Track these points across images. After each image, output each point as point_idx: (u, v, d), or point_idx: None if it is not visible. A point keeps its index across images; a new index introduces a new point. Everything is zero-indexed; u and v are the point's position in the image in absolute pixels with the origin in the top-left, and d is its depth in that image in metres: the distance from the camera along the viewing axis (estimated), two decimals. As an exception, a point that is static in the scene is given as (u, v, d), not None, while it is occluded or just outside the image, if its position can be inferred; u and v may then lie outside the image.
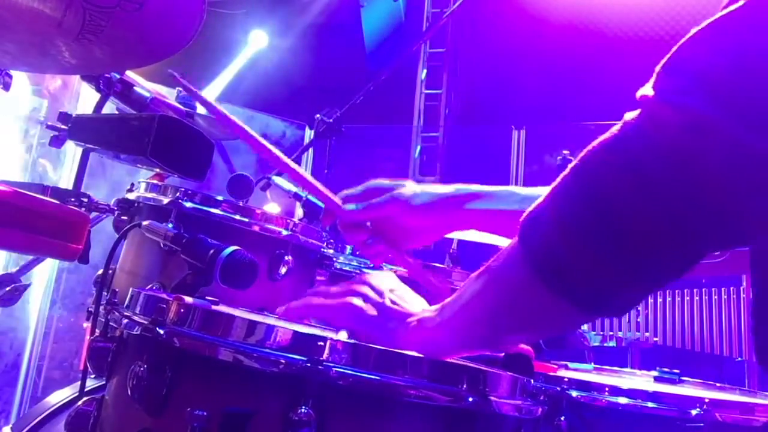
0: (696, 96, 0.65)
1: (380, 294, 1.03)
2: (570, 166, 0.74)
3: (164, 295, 1.06)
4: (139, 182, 1.76)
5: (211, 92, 5.20)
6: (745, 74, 0.64)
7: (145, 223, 1.53)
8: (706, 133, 0.64)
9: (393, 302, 1.03)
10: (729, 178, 0.64)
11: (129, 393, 0.91)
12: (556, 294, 0.75)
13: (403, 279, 1.11)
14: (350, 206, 1.21)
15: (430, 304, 1.03)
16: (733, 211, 0.66)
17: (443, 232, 1.25)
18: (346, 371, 0.81)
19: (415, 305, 1.04)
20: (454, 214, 1.19)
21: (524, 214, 0.78)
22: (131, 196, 1.73)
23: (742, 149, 0.63)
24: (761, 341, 0.84)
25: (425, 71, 5.87)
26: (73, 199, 1.55)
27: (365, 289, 1.04)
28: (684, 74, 0.67)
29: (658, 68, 0.70)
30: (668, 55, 0.69)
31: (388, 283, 1.07)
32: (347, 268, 2.01)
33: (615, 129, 0.71)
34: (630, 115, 0.70)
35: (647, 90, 0.69)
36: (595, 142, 0.72)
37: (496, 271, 0.85)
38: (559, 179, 0.75)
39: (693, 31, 0.67)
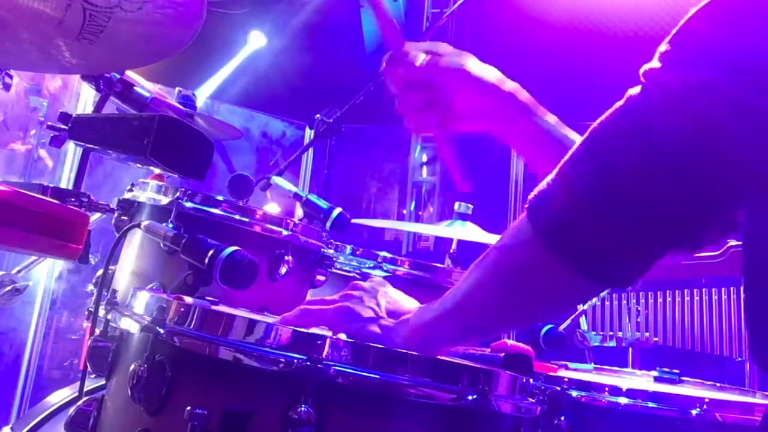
0: (702, 62, 0.68)
1: (374, 296, 1.04)
2: (578, 140, 0.76)
3: (164, 295, 1.06)
4: (139, 182, 1.76)
5: (209, 91, 5.19)
6: (747, 40, 0.67)
7: (144, 223, 1.53)
8: (714, 96, 0.67)
9: (388, 303, 1.03)
10: (736, 136, 0.67)
11: (129, 393, 0.91)
12: (565, 264, 0.76)
13: (395, 284, 1.11)
14: (421, 56, 1.11)
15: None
16: (740, 169, 0.68)
17: (496, 125, 1.18)
18: (345, 370, 0.82)
19: (410, 307, 1.04)
20: (514, 118, 1.14)
21: (533, 192, 0.80)
22: (131, 196, 1.73)
23: (748, 109, 0.66)
24: (755, 341, 0.85)
25: (425, 71, 5.85)
26: (73, 199, 1.55)
27: (359, 293, 1.04)
28: (689, 45, 0.70)
29: (661, 47, 0.72)
30: (670, 35, 0.72)
31: (381, 288, 1.07)
32: (347, 268, 2.01)
33: (620, 102, 0.74)
34: (634, 90, 0.73)
35: (653, 64, 0.72)
36: (602, 116, 0.74)
37: (501, 250, 0.86)
38: (568, 154, 0.77)
39: (692, 11, 0.71)
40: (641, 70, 0.73)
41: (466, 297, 0.90)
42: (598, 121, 0.75)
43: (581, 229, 0.74)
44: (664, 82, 0.70)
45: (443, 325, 0.93)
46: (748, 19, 0.67)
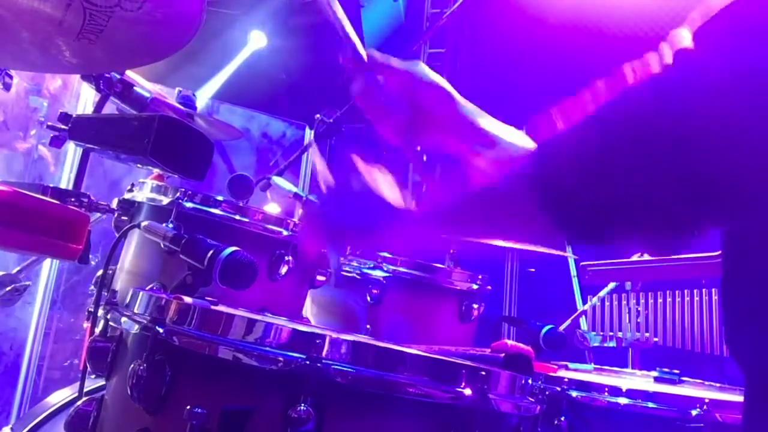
0: (734, 47, 0.67)
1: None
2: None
3: (164, 295, 1.06)
4: (139, 182, 1.76)
5: (210, 92, 5.20)
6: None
7: (144, 223, 1.53)
8: (744, 79, 0.65)
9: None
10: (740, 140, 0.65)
11: (129, 392, 0.91)
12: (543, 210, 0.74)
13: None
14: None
15: None
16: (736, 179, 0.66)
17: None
18: (345, 369, 0.82)
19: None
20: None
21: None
22: (131, 196, 1.73)
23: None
24: (737, 342, 0.83)
25: (425, 71, 5.86)
26: (73, 199, 1.55)
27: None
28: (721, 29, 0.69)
29: (684, 31, 0.73)
30: (694, 26, 0.72)
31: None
32: (347, 268, 2.01)
33: (643, 71, 0.74)
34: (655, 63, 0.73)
35: (684, 42, 0.72)
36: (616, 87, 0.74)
37: (496, 190, 0.84)
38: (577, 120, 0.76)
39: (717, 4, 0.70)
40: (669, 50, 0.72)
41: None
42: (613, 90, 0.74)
43: (577, 195, 0.72)
44: (685, 68, 0.69)
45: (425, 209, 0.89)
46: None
